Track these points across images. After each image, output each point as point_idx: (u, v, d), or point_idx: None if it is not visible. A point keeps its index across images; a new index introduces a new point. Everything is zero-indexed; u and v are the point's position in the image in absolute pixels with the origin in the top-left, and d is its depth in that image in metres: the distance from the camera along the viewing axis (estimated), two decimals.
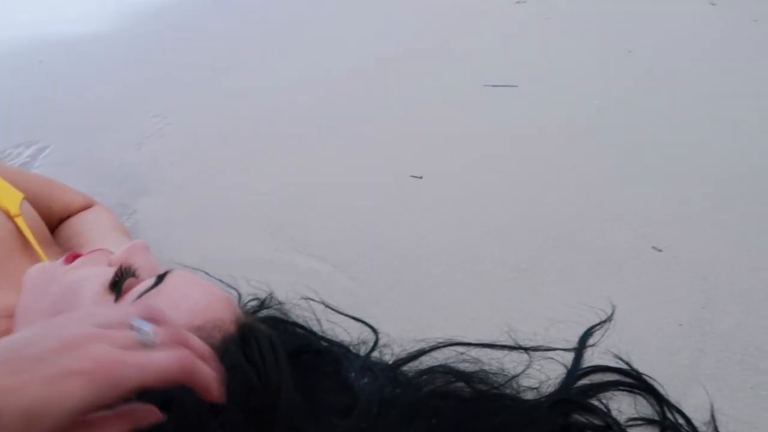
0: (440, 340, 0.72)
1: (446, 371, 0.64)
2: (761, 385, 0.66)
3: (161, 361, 0.36)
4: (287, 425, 0.48)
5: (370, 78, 1.60)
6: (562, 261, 0.87)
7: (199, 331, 0.49)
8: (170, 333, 0.39)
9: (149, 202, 1.12)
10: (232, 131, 1.38)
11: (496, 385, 0.63)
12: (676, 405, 0.63)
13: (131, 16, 2.42)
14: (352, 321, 0.77)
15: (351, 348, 0.70)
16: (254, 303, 0.77)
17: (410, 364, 0.67)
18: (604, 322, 0.75)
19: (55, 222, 0.86)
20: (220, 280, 0.83)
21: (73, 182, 0.94)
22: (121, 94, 1.66)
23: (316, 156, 1.23)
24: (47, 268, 0.58)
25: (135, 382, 0.34)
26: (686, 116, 1.27)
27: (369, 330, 0.75)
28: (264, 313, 0.73)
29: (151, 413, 0.39)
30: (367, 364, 0.66)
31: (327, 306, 0.79)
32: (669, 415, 0.61)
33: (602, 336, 0.73)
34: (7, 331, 0.56)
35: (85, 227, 0.84)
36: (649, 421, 0.61)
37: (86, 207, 0.91)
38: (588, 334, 0.73)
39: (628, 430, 0.61)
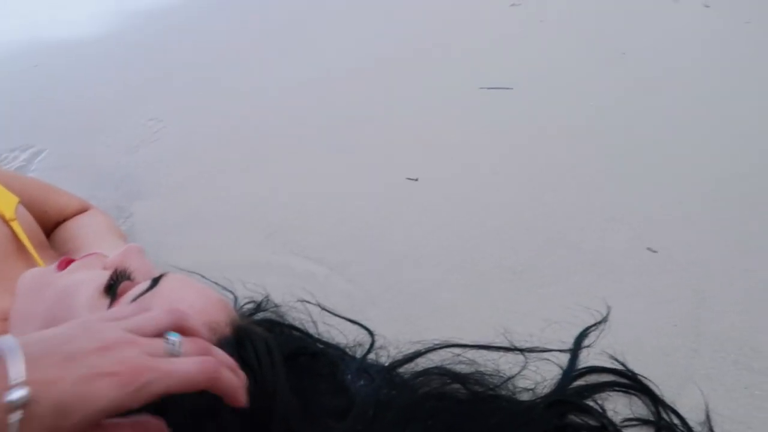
0: (436, 342, 0.72)
1: (442, 373, 0.65)
2: (756, 385, 0.66)
3: (187, 368, 0.37)
4: (283, 428, 0.48)
5: (366, 81, 1.61)
6: (558, 262, 0.88)
7: None
8: (196, 345, 0.41)
9: (145, 205, 1.12)
10: (228, 135, 1.38)
11: (491, 386, 0.64)
12: (671, 405, 0.63)
13: (127, 20, 2.42)
14: (348, 323, 0.77)
15: (347, 350, 0.71)
16: (250, 306, 0.77)
17: (406, 366, 0.68)
18: (600, 323, 0.76)
19: (50, 226, 0.86)
20: (216, 283, 0.84)
21: (69, 186, 0.94)
22: (117, 97, 1.66)
23: (312, 158, 1.24)
24: (42, 272, 0.58)
25: (162, 387, 0.36)
26: (681, 118, 1.27)
27: (365, 332, 0.75)
28: (260, 315, 0.73)
29: (160, 428, 0.40)
30: (364, 367, 0.66)
31: (323, 308, 0.80)
32: (664, 416, 0.62)
33: (598, 337, 0.74)
34: (2, 333, 0.56)
35: (81, 231, 0.84)
36: (644, 422, 0.62)
37: (82, 211, 0.90)
38: (583, 335, 0.74)
39: (623, 430, 0.61)
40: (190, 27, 2.28)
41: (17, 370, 0.33)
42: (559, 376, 0.67)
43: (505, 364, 0.70)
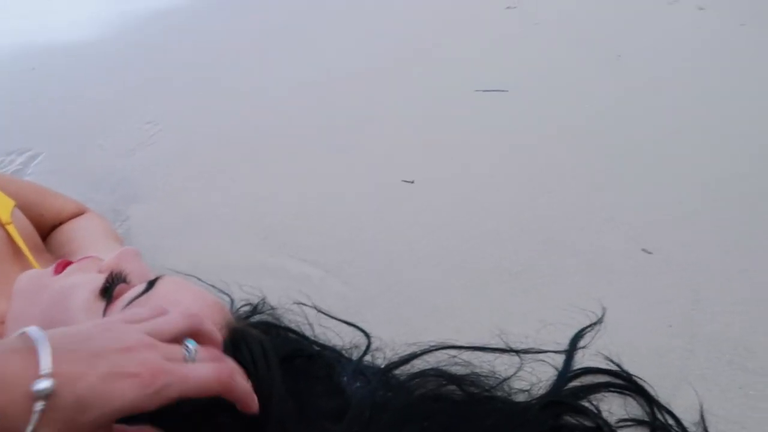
0: (432, 344, 0.72)
1: (438, 374, 0.65)
2: (750, 385, 0.67)
3: (203, 373, 0.39)
4: (279, 430, 0.48)
5: (361, 83, 1.61)
6: (554, 264, 0.88)
7: None
8: (210, 353, 0.42)
9: (142, 209, 1.12)
10: (224, 138, 1.38)
11: (487, 387, 0.64)
12: (666, 405, 0.63)
13: (123, 23, 2.42)
14: (344, 325, 0.77)
15: (343, 352, 0.71)
16: (247, 308, 0.77)
17: (402, 368, 0.68)
18: (595, 324, 0.76)
19: (47, 229, 0.86)
20: (213, 286, 0.84)
21: (65, 189, 0.94)
22: (113, 100, 1.66)
23: (308, 161, 1.24)
24: (38, 274, 0.58)
25: (178, 391, 0.37)
26: (676, 119, 1.28)
27: (361, 334, 0.75)
28: (256, 318, 0.73)
29: None
30: (360, 368, 0.66)
31: (319, 310, 0.80)
32: (659, 416, 0.62)
33: (593, 338, 0.74)
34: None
35: (77, 234, 0.84)
36: (639, 422, 0.62)
37: (78, 214, 0.90)
38: (579, 336, 0.74)
39: (618, 430, 0.61)
40: (186, 30, 2.28)
41: (45, 361, 0.34)
42: (555, 377, 0.68)
43: (501, 365, 0.70)
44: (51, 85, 1.84)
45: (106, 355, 0.36)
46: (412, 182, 1.11)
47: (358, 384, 0.64)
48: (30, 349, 0.35)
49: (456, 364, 0.68)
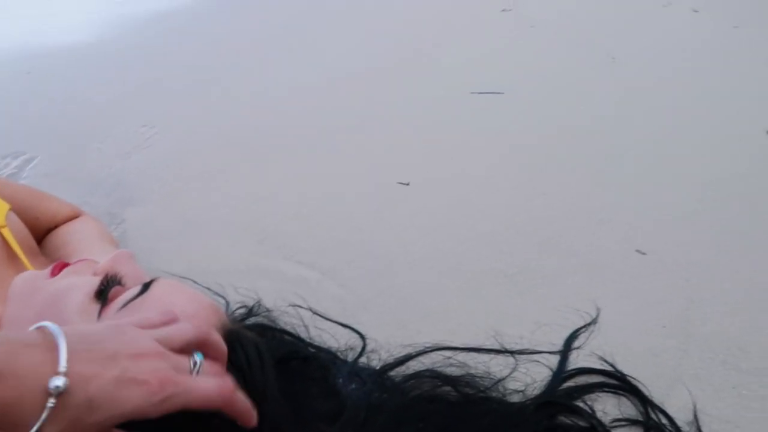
0: (427, 345, 0.72)
1: (433, 375, 0.65)
2: (743, 385, 0.67)
3: (206, 387, 0.40)
4: None
5: (356, 86, 1.61)
6: (548, 265, 0.88)
7: None
8: (213, 368, 0.43)
9: (137, 212, 1.12)
10: (220, 140, 1.38)
11: (482, 388, 0.64)
12: (660, 405, 0.64)
13: (119, 27, 2.42)
14: (340, 327, 0.77)
15: (339, 354, 0.71)
16: (242, 310, 0.77)
17: (397, 369, 0.68)
18: (590, 324, 0.76)
19: (42, 233, 0.86)
20: (208, 288, 0.84)
21: (60, 192, 0.94)
22: (109, 103, 1.66)
23: (304, 163, 1.24)
24: (33, 277, 0.58)
25: (182, 402, 0.38)
26: (670, 121, 1.29)
27: (357, 336, 0.75)
28: (252, 320, 0.73)
29: None
30: (355, 370, 0.66)
31: (315, 313, 0.80)
32: (653, 416, 0.62)
33: (587, 338, 0.74)
34: None
35: (72, 237, 0.84)
36: (633, 422, 0.62)
37: (73, 217, 0.90)
38: (573, 336, 0.74)
39: (612, 430, 0.62)
40: (182, 33, 2.28)
41: (63, 359, 0.35)
42: (549, 378, 0.68)
43: (496, 366, 0.70)
44: (46, 88, 1.84)
45: (119, 359, 0.37)
46: (408, 184, 1.12)
47: (353, 386, 0.64)
48: (50, 345, 0.35)
49: (451, 365, 0.68)
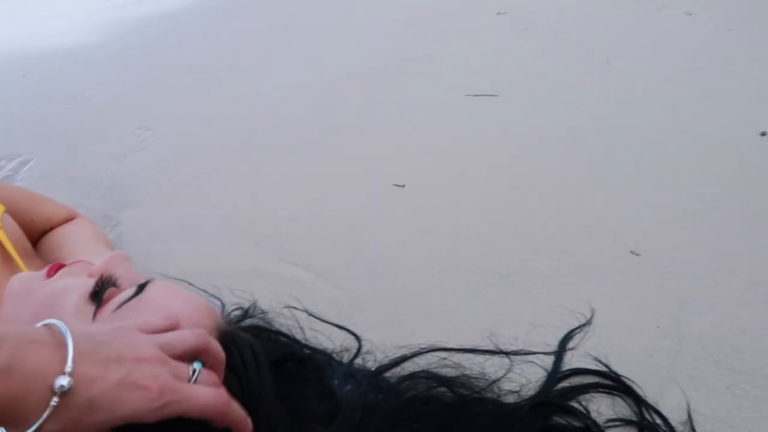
0: (422, 346, 0.72)
1: (428, 376, 0.65)
2: (737, 384, 0.67)
3: (203, 396, 0.40)
4: None
5: (352, 89, 1.61)
6: (543, 266, 0.89)
7: None
8: (210, 377, 0.44)
9: (133, 214, 1.12)
10: (215, 142, 1.38)
11: (477, 389, 0.64)
12: (654, 405, 0.64)
13: (115, 29, 2.42)
14: (335, 329, 0.77)
15: (334, 355, 0.71)
16: (238, 312, 0.78)
17: (393, 370, 0.68)
18: (584, 325, 0.77)
19: (37, 235, 0.86)
20: (204, 290, 0.84)
21: (56, 195, 0.94)
22: (104, 106, 1.66)
23: (299, 165, 1.24)
24: (28, 278, 0.58)
25: (179, 410, 0.38)
26: (663, 124, 1.29)
27: (352, 337, 0.75)
28: (247, 322, 0.74)
29: None
30: (350, 371, 0.67)
31: (310, 314, 0.80)
32: (647, 416, 0.63)
33: (582, 339, 0.74)
34: None
35: (68, 239, 0.84)
36: (627, 422, 0.63)
37: (69, 219, 0.90)
38: (568, 337, 0.75)
39: (606, 430, 0.62)
40: (177, 36, 2.28)
41: (70, 358, 0.35)
42: (544, 379, 0.68)
43: (491, 367, 0.71)
44: (42, 90, 1.84)
45: (122, 362, 0.37)
46: (403, 186, 1.12)
47: (348, 387, 0.64)
48: (59, 344, 0.36)
49: (446, 366, 0.69)
